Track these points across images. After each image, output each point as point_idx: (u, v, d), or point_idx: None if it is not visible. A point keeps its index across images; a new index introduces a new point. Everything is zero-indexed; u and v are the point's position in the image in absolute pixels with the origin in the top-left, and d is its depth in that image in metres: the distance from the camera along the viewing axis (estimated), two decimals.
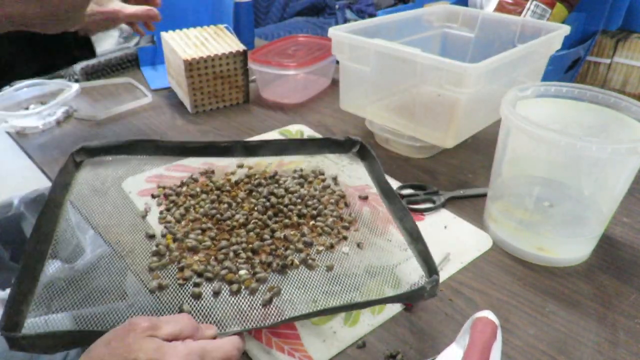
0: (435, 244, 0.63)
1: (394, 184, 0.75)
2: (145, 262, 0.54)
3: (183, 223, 0.59)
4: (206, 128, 0.93)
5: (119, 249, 0.56)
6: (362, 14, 2.57)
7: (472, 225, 0.66)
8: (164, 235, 0.58)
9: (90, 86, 1.09)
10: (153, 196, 0.65)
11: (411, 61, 0.71)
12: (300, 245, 0.57)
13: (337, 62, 1.09)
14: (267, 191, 0.65)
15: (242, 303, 0.50)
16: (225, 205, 0.62)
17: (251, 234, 0.58)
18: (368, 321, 0.52)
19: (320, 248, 0.57)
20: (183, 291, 0.51)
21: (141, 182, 0.74)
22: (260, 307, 0.50)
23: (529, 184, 0.66)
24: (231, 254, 0.54)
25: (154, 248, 0.55)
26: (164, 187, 0.67)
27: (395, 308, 0.53)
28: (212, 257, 0.54)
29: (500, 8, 1.81)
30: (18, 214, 1.35)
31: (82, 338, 0.42)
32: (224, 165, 0.73)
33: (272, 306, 0.50)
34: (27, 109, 0.96)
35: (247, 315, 0.49)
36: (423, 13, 0.96)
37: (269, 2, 2.58)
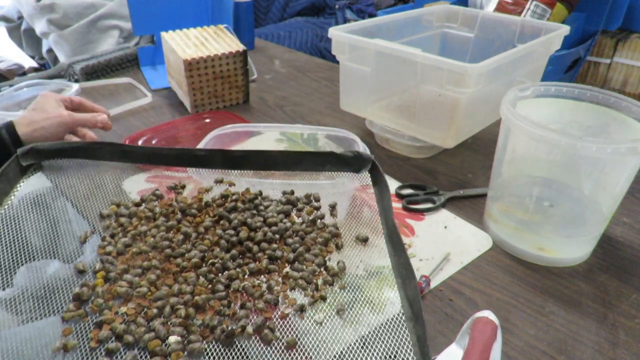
0: (435, 244, 0.63)
1: (394, 184, 0.75)
2: (62, 308, 0.44)
3: (126, 256, 0.49)
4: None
5: (38, 285, 0.46)
6: (362, 14, 2.57)
7: (472, 225, 0.66)
8: (96, 272, 0.47)
9: (90, 86, 1.09)
10: (102, 216, 0.55)
11: (411, 61, 0.71)
12: (260, 305, 0.44)
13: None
14: (239, 221, 0.52)
15: None
16: (182, 237, 0.51)
17: (202, 280, 0.46)
18: (368, 321, 0.51)
19: (287, 310, 0.44)
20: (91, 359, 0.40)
21: (141, 182, 0.74)
22: None
23: (529, 184, 0.66)
24: (167, 310, 0.43)
25: (77, 290, 0.45)
26: (118, 205, 0.56)
27: (396, 308, 0.53)
28: (143, 311, 0.44)
29: (500, 8, 1.81)
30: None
31: None
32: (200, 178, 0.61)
33: None
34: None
35: None
36: (423, 13, 0.96)
37: (269, 2, 2.58)
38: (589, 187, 0.60)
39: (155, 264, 0.48)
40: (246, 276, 0.48)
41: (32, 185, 0.59)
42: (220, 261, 0.48)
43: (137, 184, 0.73)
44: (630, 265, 0.61)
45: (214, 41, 1.00)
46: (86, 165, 0.61)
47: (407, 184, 0.74)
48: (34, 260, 0.49)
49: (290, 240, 0.51)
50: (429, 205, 0.70)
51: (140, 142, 0.84)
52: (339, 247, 0.51)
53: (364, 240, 0.52)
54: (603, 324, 0.52)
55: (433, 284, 0.56)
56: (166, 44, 1.01)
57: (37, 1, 1.66)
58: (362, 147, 0.66)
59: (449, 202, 0.71)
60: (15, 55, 2.04)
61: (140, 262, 0.49)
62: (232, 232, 0.52)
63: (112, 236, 0.52)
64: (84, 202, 0.57)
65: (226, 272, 0.47)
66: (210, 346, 0.41)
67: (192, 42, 0.98)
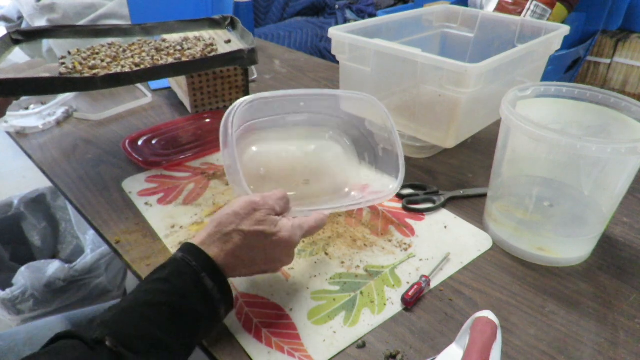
0: (435, 244, 0.63)
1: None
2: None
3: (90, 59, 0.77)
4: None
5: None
6: (362, 14, 2.58)
7: (472, 225, 0.66)
8: (74, 63, 0.74)
9: None
10: (69, 53, 0.82)
11: (411, 61, 0.71)
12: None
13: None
14: (155, 44, 0.84)
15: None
16: (123, 51, 0.80)
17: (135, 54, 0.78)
18: (368, 321, 0.52)
19: (185, 59, 0.76)
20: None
21: (141, 182, 0.74)
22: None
23: (529, 184, 0.66)
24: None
25: (64, 67, 0.72)
26: (77, 49, 0.84)
27: (395, 308, 0.53)
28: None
29: (500, 8, 1.81)
30: (18, 214, 1.35)
31: None
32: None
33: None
34: (27, 109, 0.96)
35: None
36: (423, 13, 0.96)
37: (269, 2, 2.58)
38: (589, 187, 0.60)
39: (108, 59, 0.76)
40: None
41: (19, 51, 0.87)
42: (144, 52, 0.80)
43: (137, 184, 0.74)
44: (630, 265, 0.61)
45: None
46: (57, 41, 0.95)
47: (407, 184, 0.74)
48: None
49: (185, 45, 0.83)
50: (429, 205, 0.70)
51: (140, 142, 0.84)
52: (215, 49, 0.82)
53: (228, 41, 0.86)
54: (603, 324, 0.52)
55: (433, 284, 0.56)
56: None
57: (37, 1, 1.66)
58: (383, 109, 0.69)
59: (449, 202, 0.71)
60: (14, 55, 2.04)
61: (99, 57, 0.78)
62: (150, 48, 0.82)
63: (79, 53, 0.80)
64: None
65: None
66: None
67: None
